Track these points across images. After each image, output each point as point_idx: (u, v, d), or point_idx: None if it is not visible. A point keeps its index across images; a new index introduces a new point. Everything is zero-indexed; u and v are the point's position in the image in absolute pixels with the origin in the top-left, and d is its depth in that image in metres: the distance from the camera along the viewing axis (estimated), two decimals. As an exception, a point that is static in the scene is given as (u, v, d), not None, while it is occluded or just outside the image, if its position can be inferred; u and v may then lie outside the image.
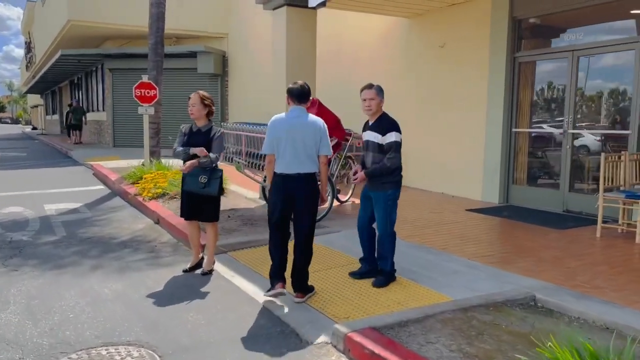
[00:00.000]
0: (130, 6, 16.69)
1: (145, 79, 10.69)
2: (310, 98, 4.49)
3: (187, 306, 4.29)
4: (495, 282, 4.54)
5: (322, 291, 4.42)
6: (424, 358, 3.14)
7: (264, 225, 6.74)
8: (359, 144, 9.74)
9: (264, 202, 7.87)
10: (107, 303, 4.35)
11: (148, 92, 10.59)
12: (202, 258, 5.30)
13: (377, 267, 4.65)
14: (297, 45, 7.80)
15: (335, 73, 11.69)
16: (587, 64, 7.40)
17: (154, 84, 10.73)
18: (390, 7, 9.13)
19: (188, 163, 4.93)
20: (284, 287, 4.26)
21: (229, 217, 7.16)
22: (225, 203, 6.76)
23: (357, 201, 8.35)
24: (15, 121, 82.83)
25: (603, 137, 7.40)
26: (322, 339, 3.64)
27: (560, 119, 7.70)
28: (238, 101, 18.05)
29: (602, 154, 6.18)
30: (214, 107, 5.15)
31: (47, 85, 33.82)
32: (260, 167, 11.51)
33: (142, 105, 10.62)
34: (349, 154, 8.29)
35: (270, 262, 4.35)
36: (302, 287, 4.28)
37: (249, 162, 8.23)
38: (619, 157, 6.32)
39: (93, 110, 22.86)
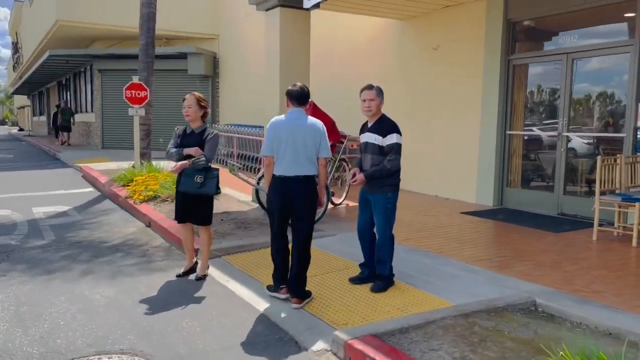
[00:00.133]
0: (120, 6, 16.50)
1: (136, 80, 10.55)
2: (310, 100, 4.44)
3: (182, 312, 4.18)
4: (494, 287, 4.48)
5: (319, 296, 4.34)
6: (427, 366, 3.07)
7: (257, 228, 6.66)
8: (352, 146, 9.71)
9: (257, 204, 7.77)
10: (99, 309, 4.23)
11: (139, 94, 10.45)
12: (196, 262, 5.20)
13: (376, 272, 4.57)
14: (291, 47, 7.71)
15: (326, 75, 11.61)
16: (581, 66, 7.40)
17: (144, 85, 10.59)
18: (384, 8, 9.08)
19: (179, 163, 4.82)
20: (287, 293, 4.25)
21: (222, 220, 7.06)
22: (217, 206, 6.64)
23: (351, 204, 8.32)
24: (2, 122, 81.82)
25: (595, 140, 7.41)
26: (321, 346, 3.56)
27: (555, 121, 7.69)
28: (229, 103, 17.93)
29: (599, 157, 6.17)
30: (209, 109, 5.08)
31: (34, 86, 33.44)
32: (254, 169, 11.44)
33: (132, 107, 10.48)
34: (342, 156, 8.23)
35: (265, 266, 4.30)
36: (300, 292, 4.19)
37: (243, 165, 8.14)
38: (615, 160, 6.31)
39: (81, 112, 22.59)
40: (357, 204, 4.78)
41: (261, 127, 11.56)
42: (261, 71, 13.13)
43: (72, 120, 21.69)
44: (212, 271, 5.15)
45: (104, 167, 12.86)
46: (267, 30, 8.05)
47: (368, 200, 4.56)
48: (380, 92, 4.46)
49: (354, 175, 4.49)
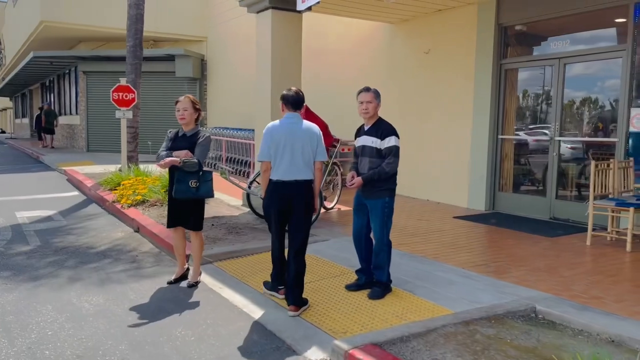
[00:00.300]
0: (106, 7, 16.27)
1: (123, 82, 10.37)
2: (304, 104, 4.39)
3: (175, 321, 4.05)
4: (493, 293, 4.43)
5: (316, 304, 4.24)
6: (431, 376, 2.99)
7: (249, 233, 6.54)
8: (343, 149, 9.65)
9: (248, 209, 7.66)
10: (88, 318, 4.08)
11: (126, 96, 10.26)
12: (188, 269, 5.07)
13: (374, 278, 4.49)
14: (283, 49, 7.61)
15: (316, 77, 11.53)
16: (573, 71, 7.41)
17: (132, 88, 10.41)
18: (376, 12, 9.04)
19: (168, 159, 4.59)
20: (284, 294, 4.29)
21: (212, 225, 6.93)
22: (207, 211, 6.51)
23: (343, 208, 8.24)
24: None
25: (585, 145, 7.42)
26: (320, 355, 3.46)
27: (547, 125, 7.70)
28: (217, 106, 17.76)
29: (593, 162, 6.16)
30: (202, 112, 4.97)
31: (17, 87, 32.87)
32: (243, 173, 11.31)
33: (119, 109, 10.29)
34: (334, 160, 8.16)
35: (259, 273, 4.28)
36: (297, 299, 4.10)
37: (232, 169, 8.03)
38: (608, 165, 6.31)
39: (65, 114, 22.24)
40: (349, 208, 4.71)
41: (250, 130, 11.44)
42: (250, 74, 13.03)
43: (55, 122, 21.35)
44: (205, 278, 5.03)
45: (89, 170, 12.63)
46: (258, 32, 7.95)
47: (364, 205, 4.48)
48: (377, 94, 4.40)
49: (352, 177, 4.41)
